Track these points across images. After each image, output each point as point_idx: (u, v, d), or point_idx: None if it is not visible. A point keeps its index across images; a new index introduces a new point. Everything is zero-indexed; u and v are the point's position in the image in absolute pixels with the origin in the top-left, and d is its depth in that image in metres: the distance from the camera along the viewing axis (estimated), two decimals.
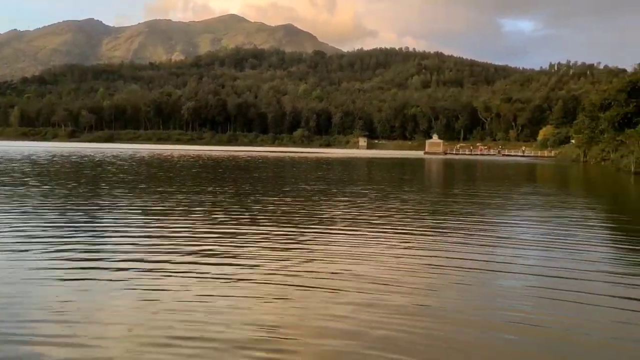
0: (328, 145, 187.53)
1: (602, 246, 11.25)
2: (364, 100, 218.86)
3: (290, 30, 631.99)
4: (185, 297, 6.94)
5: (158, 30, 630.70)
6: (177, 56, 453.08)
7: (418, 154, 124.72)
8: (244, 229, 12.38)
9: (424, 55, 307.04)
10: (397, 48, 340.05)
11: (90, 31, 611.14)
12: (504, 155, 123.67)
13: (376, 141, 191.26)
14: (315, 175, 34.88)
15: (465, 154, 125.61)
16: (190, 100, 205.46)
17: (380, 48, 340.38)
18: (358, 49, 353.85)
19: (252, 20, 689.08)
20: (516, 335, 5.88)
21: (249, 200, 18.61)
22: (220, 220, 13.60)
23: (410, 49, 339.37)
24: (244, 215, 14.76)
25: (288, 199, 19.18)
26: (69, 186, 22.73)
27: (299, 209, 16.26)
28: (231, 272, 8.25)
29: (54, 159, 50.81)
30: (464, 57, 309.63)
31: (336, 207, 17.14)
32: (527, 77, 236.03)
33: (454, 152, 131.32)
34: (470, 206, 18.41)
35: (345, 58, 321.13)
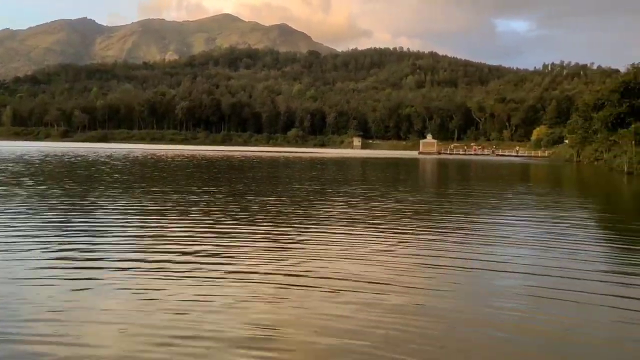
0: (322, 145, 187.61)
1: (597, 245, 11.32)
2: (358, 100, 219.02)
3: (284, 30, 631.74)
4: (181, 297, 6.92)
5: (152, 29, 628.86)
6: (170, 56, 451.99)
7: (412, 154, 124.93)
8: (240, 228, 12.36)
9: (418, 55, 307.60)
10: (391, 48, 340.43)
11: (84, 30, 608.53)
12: (497, 155, 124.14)
13: (370, 141, 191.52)
14: (310, 175, 34.88)
15: (459, 154, 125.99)
16: (184, 100, 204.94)
17: (374, 48, 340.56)
18: (352, 49, 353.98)
19: (246, 20, 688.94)
20: (514, 335, 5.90)
21: (244, 200, 18.59)
22: (216, 221, 13.56)
23: (405, 49, 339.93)
24: (240, 215, 14.74)
25: (283, 199, 19.17)
26: (63, 186, 22.60)
27: (294, 209, 16.25)
28: (227, 272, 8.23)
29: (47, 158, 50.56)
30: (458, 57, 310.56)
31: (331, 207, 17.14)
32: (520, 77, 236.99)
33: (448, 152, 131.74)
34: (465, 206, 18.47)
35: (340, 58, 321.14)
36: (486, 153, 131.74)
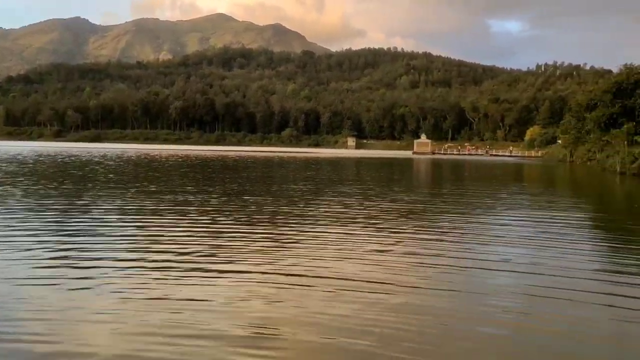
0: (317, 145, 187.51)
1: (590, 245, 11.43)
2: (352, 100, 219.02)
3: (278, 30, 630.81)
4: (178, 296, 6.93)
5: (145, 29, 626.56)
6: (164, 55, 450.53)
7: (406, 154, 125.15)
8: (236, 228, 12.37)
9: (412, 56, 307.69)
10: (385, 48, 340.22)
11: (77, 30, 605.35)
12: (491, 155, 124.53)
13: (365, 141, 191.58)
14: (305, 175, 34.91)
15: (453, 154, 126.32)
16: (177, 100, 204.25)
17: (368, 48, 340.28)
18: (346, 49, 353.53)
19: (240, 20, 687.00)
20: (510, 333, 5.96)
21: (239, 200, 18.59)
22: (212, 220, 13.56)
23: (399, 49, 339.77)
24: (236, 215, 14.74)
25: (278, 199, 19.19)
26: (56, 186, 22.52)
27: (290, 209, 16.28)
28: (224, 272, 8.24)
29: (40, 158, 50.33)
30: (452, 57, 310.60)
31: (327, 207, 17.17)
32: (514, 78, 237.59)
33: (442, 152, 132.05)
34: (460, 206, 18.56)
35: (334, 58, 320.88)
36: (480, 153, 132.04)
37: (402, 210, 16.68)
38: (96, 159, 51.31)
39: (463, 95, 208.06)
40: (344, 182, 29.68)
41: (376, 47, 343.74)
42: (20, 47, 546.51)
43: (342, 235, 11.71)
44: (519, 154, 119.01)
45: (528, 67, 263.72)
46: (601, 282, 8.15)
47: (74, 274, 7.94)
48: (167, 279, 7.75)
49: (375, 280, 7.85)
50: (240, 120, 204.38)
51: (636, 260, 9.71)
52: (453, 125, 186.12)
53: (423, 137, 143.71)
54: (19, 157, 52.26)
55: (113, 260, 8.81)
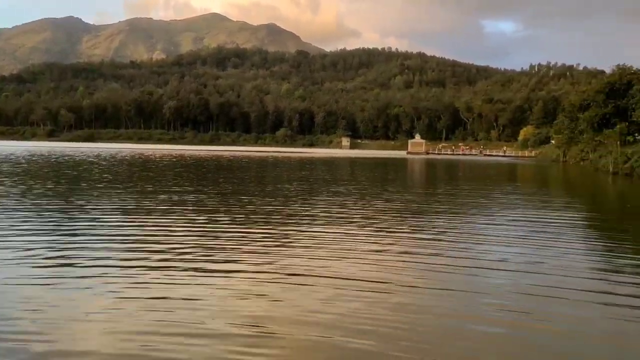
0: (311, 145, 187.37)
1: (584, 244, 11.49)
2: (346, 100, 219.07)
3: (272, 30, 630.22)
4: (170, 295, 6.93)
5: (139, 28, 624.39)
6: (158, 55, 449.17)
7: (401, 153, 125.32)
8: (233, 228, 12.36)
9: (406, 56, 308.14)
10: (379, 48, 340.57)
11: (70, 29, 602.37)
12: (485, 155, 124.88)
13: (359, 141, 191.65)
14: (300, 175, 34.92)
15: (447, 154, 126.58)
16: (171, 100, 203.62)
17: (363, 48, 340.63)
18: (341, 49, 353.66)
19: (235, 19, 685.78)
20: (508, 331, 5.98)
21: (235, 200, 18.58)
22: (206, 220, 13.54)
23: (393, 49, 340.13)
24: (232, 215, 14.73)
25: (274, 199, 19.17)
26: (50, 186, 22.42)
27: (284, 209, 16.28)
28: (222, 271, 8.23)
29: (33, 158, 50.07)
30: (446, 57, 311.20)
31: (322, 206, 17.18)
32: (508, 78, 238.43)
33: (436, 152, 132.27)
34: (455, 206, 18.61)
35: (328, 58, 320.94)
36: (474, 153, 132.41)
37: (398, 210, 16.72)
38: (90, 159, 51.09)
39: (457, 95, 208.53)
40: (338, 182, 29.69)
41: (370, 47, 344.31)
42: (12, 47, 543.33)
43: (338, 234, 11.72)
44: (513, 154, 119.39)
45: (522, 68, 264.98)
46: (597, 281, 8.21)
47: (70, 273, 7.92)
48: (163, 279, 7.74)
49: (372, 280, 7.87)
50: (235, 120, 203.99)
51: (631, 260, 9.79)
52: (447, 125, 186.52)
53: (417, 137, 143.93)
54: (12, 157, 51.95)
55: (109, 260, 8.79)
